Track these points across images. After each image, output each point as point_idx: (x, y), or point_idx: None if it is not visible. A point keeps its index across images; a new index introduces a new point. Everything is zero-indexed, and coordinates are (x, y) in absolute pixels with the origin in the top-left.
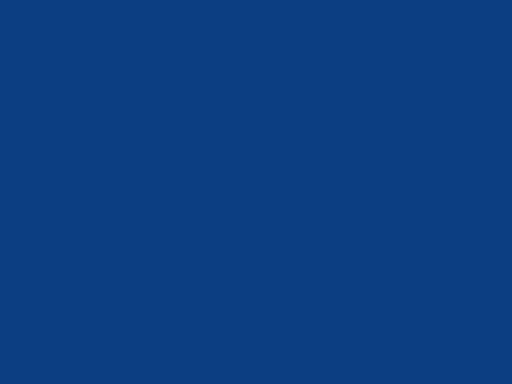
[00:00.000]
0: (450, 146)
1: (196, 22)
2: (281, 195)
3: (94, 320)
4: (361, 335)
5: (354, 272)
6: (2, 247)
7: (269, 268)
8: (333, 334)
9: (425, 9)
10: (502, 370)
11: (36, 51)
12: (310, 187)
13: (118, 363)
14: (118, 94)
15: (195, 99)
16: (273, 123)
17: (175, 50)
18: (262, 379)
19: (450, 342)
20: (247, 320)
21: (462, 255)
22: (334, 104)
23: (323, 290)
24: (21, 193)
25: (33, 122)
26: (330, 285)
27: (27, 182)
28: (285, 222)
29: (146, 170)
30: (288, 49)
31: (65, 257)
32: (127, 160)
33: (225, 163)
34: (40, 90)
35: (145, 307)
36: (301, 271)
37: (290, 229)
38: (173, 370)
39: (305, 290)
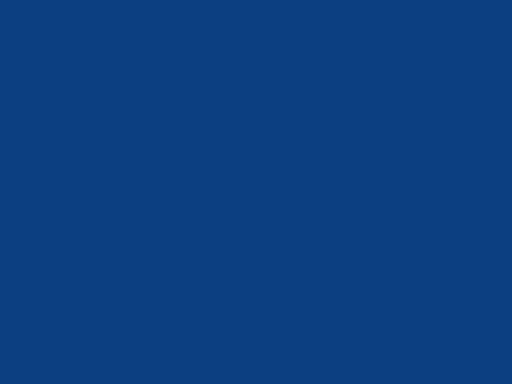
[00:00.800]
0: (450, 146)
1: (196, 22)
2: (281, 195)
3: (94, 320)
4: (361, 335)
5: (353, 272)
6: (2, 247)
7: (269, 268)
8: (333, 334)
9: (425, 9)
10: (502, 370)
11: (36, 51)
12: (310, 187)
13: (118, 363)
14: (118, 93)
15: (195, 99)
16: (273, 123)
17: (175, 50)
18: (262, 379)
19: (450, 342)
20: (247, 320)
21: (462, 255)
22: (334, 104)
23: (323, 290)
24: (21, 193)
25: (33, 121)
26: (330, 285)
27: (27, 182)
28: (285, 222)
29: (146, 170)
30: (288, 49)
31: (65, 257)
32: (127, 160)
33: (225, 163)
34: (40, 90)
35: (145, 307)
36: (301, 271)
37: (290, 229)
38: (173, 370)
39: (305, 290)
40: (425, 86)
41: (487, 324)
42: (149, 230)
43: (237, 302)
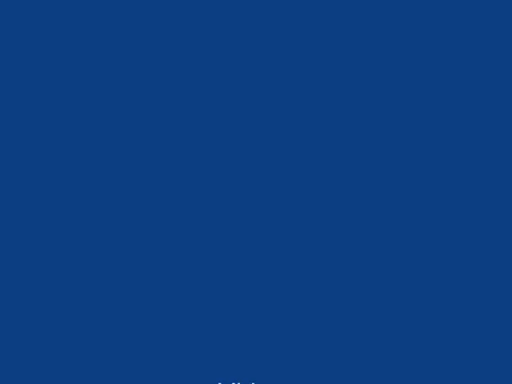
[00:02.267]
0: (450, 145)
1: (196, 22)
2: (281, 195)
3: (94, 320)
4: (361, 335)
5: (354, 272)
6: (2, 247)
7: (269, 268)
8: (333, 334)
9: (425, 9)
10: (502, 370)
11: (36, 51)
12: (310, 187)
13: (118, 363)
14: (118, 94)
15: (195, 99)
16: (273, 123)
17: (175, 50)
18: (261, 379)
19: (450, 342)
20: (247, 320)
21: (462, 255)
22: (334, 104)
23: (323, 289)
24: (21, 193)
25: (33, 121)
26: (330, 285)
27: (27, 182)
28: (285, 222)
29: (146, 170)
30: (288, 49)
31: (65, 257)
32: (127, 160)
33: (225, 163)
34: (40, 90)
35: (145, 307)
36: (301, 271)
37: (290, 229)
38: (173, 370)
39: (305, 290)
40: (425, 86)
41: (487, 324)
42: (149, 230)
43: (237, 301)
